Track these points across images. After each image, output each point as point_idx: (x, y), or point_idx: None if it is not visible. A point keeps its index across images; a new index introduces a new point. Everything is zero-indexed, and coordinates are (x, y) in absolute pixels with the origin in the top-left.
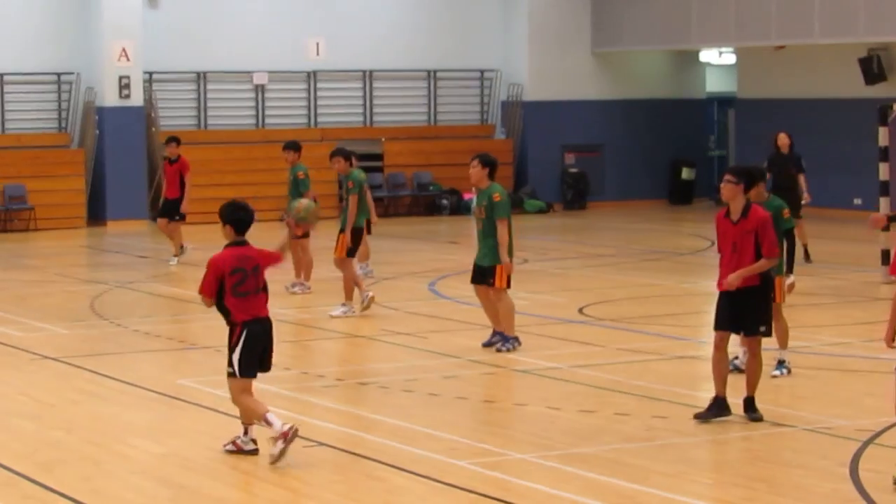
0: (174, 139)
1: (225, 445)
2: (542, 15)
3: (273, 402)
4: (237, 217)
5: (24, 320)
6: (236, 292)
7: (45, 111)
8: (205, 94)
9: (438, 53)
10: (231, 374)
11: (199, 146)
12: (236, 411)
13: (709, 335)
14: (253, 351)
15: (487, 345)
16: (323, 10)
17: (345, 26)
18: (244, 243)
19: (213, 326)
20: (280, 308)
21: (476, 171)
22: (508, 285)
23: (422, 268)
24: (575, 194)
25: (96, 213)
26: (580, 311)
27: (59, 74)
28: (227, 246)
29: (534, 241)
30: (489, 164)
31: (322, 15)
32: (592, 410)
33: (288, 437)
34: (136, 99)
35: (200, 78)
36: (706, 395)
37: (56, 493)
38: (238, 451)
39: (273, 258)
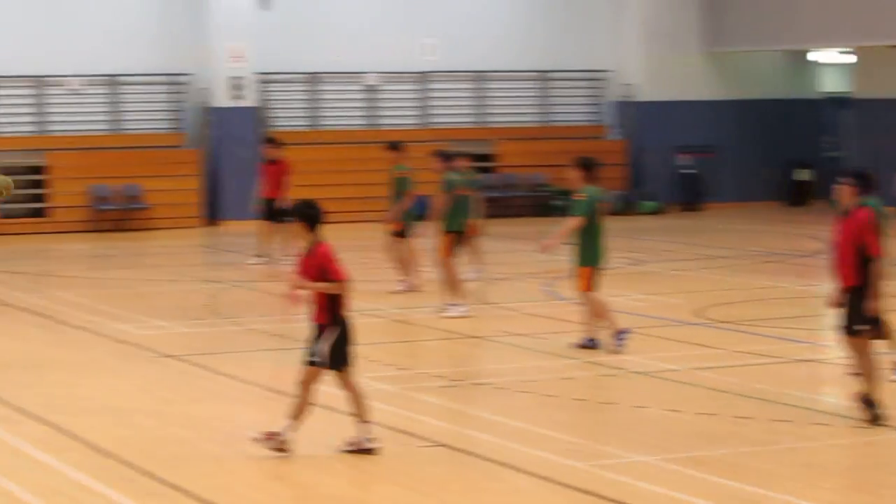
0: (271, 140)
1: (258, 437)
2: (655, 15)
3: (390, 402)
4: (308, 213)
5: (143, 319)
6: None
7: (161, 112)
8: (317, 94)
9: (551, 54)
10: (317, 364)
11: (312, 146)
12: (354, 409)
13: (829, 338)
14: (349, 345)
15: (580, 346)
16: (435, 12)
17: (457, 27)
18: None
19: None
20: (395, 308)
21: (572, 172)
22: (590, 287)
23: (538, 269)
24: (689, 195)
25: (211, 213)
26: (697, 312)
27: (173, 75)
28: (318, 243)
29: (648, 242)
30: (584, 165)
31: (434, 16)
32: (712, 413)
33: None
34: (249, 99)
35: (312, 78)
36: (827, 398)
37: (178, 489)
38: (278, 447)
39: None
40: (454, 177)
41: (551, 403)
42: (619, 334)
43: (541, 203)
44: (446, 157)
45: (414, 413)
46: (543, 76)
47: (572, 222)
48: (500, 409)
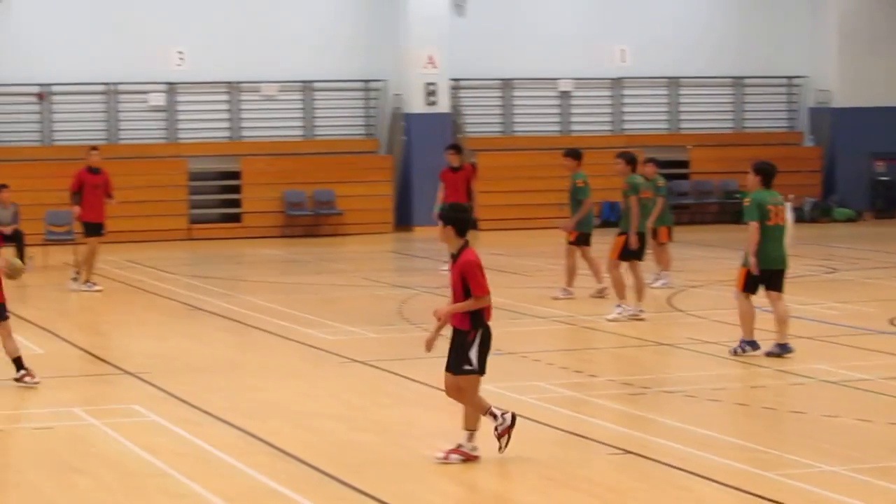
0: (454, 146)
1: (443, 456)
2: (852, 20)
3: (576, 408)
4: (458, 217)
5: (333, 324)
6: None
7: (354, 118)
8: (510, 100)
9: (745, 60)
10: (470, 371)
11: (504, 152)
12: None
13: None
14: (487, 349)
15: (769, 354)
16: (629, 17)
17: (650, 33)
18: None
19: (520, 332)
20: (583, 315)
21: (749, 178)
22: (746, 289)
23: (729, 276)
24: (885, 202)
25: (403, 219)
26: (891, 321)
27: (367, 81)
28: (465, 248)
29: (843, 249)
30: (760, 171)
31: (628, 22)
32: None
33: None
34: (443, 105)
35: (505, 85)
36: None
37: (365, 494)
38: (466, 458)
39: None
40: (638, 180)
41: (740, 412)
42: (746, 343)
43: (734, 210)
44: (630, 159)
45: (599, 419)
46: (737, 82)
47: (751, 229)
48: (688, 416)
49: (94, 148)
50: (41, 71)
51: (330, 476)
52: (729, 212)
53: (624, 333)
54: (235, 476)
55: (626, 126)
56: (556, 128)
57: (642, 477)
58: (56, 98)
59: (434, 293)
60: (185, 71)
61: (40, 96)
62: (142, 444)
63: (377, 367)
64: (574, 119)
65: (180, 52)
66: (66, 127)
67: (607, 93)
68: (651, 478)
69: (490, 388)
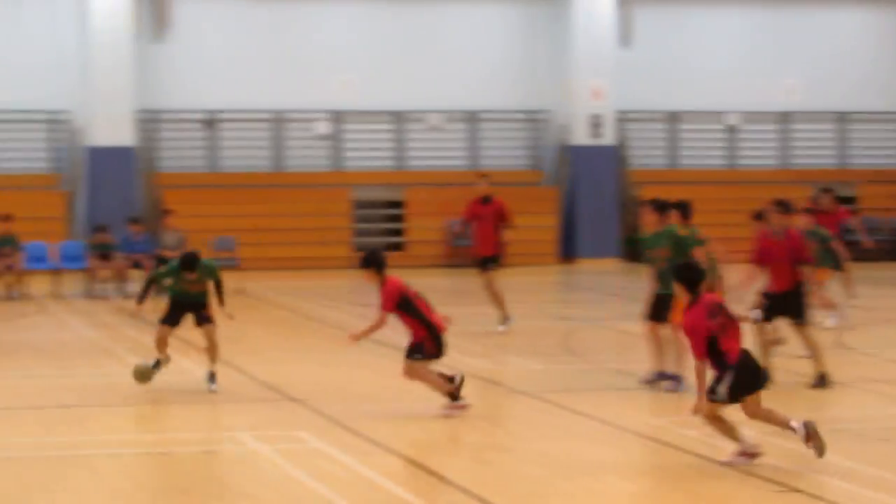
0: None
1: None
2: None
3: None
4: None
5: (497, 355)
6: None
7: (519, 149)
8: (676, 133)
9: None
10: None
11: (671, 185)
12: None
13: None
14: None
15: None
16: (797, 51)
17: (819, 67)
18: None
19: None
20: None
21: (646, 215)
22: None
23: None
24: None
25: (567, 251)
26: None
27: (532, 112)
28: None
29: None
30: (658, 208)
31: (796, 55)
32: None
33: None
34: (608, 138)
35: (672, 117)
36: None
37: None
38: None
39: None
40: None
41: None
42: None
43: None
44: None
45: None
46: None
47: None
48: (859, 456)
49: (482, 175)
50: (208, 98)
51: None
52: None
53: (796, 371)
54: None
55: (796, 161)
56: (723, 161)
57: None
58: (223, 125)
59: (597, 324)
60: (352, 100)
61: (207, 123)
62: (307, 471)
63: (542, 399)
64: (741, 153)
65: (347, 81)
66: (233, 154)
67: (775, 126)
68: None
69: (662, 423)
